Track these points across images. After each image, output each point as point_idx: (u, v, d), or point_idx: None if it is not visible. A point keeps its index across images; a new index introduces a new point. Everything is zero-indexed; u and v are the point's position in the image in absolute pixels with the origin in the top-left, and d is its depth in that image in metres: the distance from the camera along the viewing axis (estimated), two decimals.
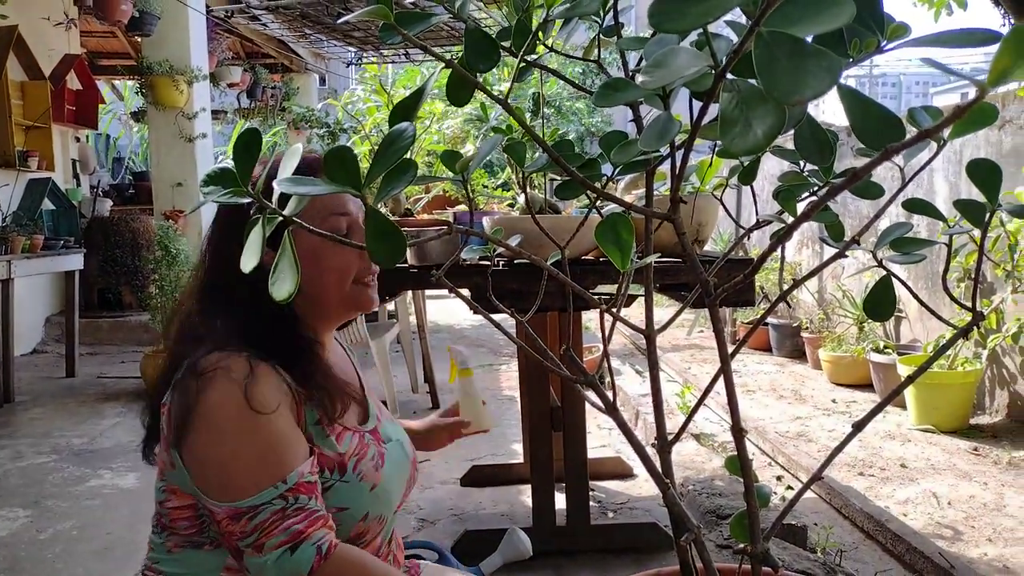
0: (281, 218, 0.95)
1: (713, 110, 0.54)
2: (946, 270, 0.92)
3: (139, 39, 5.03)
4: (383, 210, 2.28)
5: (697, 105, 0.57)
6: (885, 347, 4.06)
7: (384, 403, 1.32)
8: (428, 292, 5.24)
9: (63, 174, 5.97)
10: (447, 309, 7.14)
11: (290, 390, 0.98)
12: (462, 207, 2.40)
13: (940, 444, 3.32)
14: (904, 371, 3.62)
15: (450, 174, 0.75)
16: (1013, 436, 3.38)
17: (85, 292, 5.51)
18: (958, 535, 2.44)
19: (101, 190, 6.52)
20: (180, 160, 4.88)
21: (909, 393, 3.62)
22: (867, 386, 4.18)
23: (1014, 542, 2.38)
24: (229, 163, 0.67)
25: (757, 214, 0.92)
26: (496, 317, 0.99)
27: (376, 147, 0.58)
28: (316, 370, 1.03)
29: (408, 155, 0.61)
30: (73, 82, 5.96)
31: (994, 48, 0.44)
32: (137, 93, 5.45)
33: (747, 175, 0.87)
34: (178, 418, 0.94)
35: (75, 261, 4.72)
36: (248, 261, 0.61)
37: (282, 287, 0.59)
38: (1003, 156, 3.47)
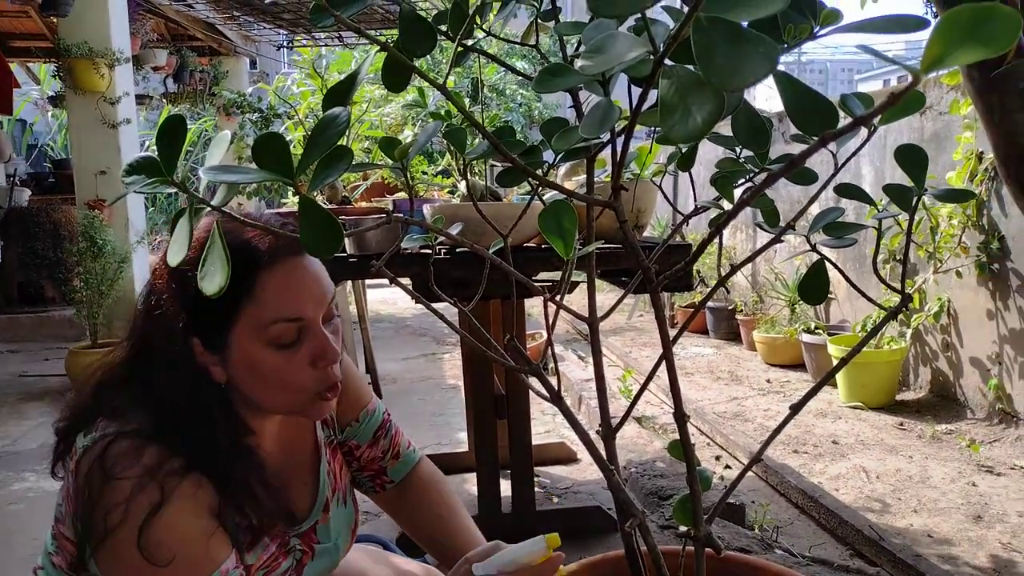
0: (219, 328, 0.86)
1: (653, 96, 0.53)
2: (876, 253, 0.94)
3: (55, 19, 4.78)
4: (319, 198, 2.23)
5: (636, 91, 0.56)
6: (816, 328, 4.20)
7: (355, 480, 1.18)
8: (369, 281, 5.17)
9: None
10: (388, 299, 7.06)
11: (214, 500, 0.86)
12: (402, 194, 2.36)
13: (868, 420, 3.46)
14: (834, 351, 3.75)
15: (389, 161, 0.73)
16: (935, 410, 3.54)
17: (4, 286, 5.24)
18: (886, 507, 2.55)
19: (18, 179, 6.20)
20: (103, 147, 4.66)
21: (839, 372, 3.75)
22: (800, 366, 4.33)
23: (937, 512, 2.50)
24: (153, 152, 0.63)
25: (695, 200, 0.93)
26: (439, 306, 0.98)
27: (310, 133, 0.56)
28: (245, 486, 0.89)
29: (344, 141, 0.59)
30: None
31: (922, 35, 0.45)
32: (54, 76, 5.17)
33: (685, 161, 0.88)
34: (82, 521, 0.83)
35: None
36: (174, 255, 0.58)
37: (211, 282, 0.56)
38: (925, 141, 3.62)
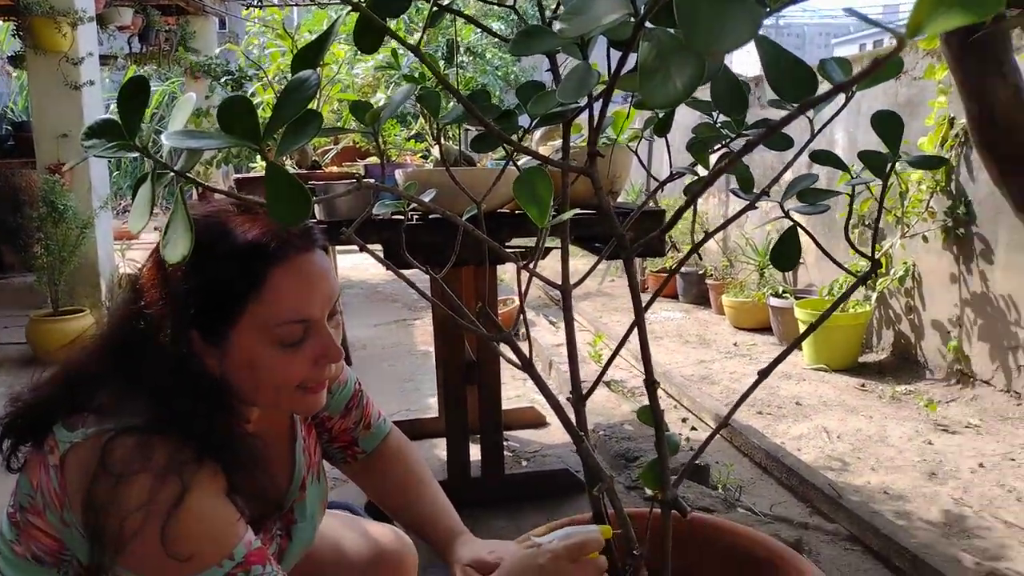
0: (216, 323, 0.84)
1: (633, 60, 0.52)
2: (848, 219, 0.95)
3: None
4: (288, 164, 2.19)
5: (616, 55, 0.55)
6: (783, 292, 4.25)
7: (326, 453, 1.18)
8: (339, 248, 5.10)
9: None
10: (359, 264, 7.00)
11: (227, 489, 0.85)
12: (373, 159, 2.32)
13: (831, 382, 3.54)
14: (800, 314, 3.81)
15: (360, 125, 0.71)
16: (896, 372, 3.63)
17: None
18: (845, 466, 2.62)
19: None
20: (65, 109, 4.49)
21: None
22: (767, 330, 4.39)
23: (894, 470, 2.57)
24: (115, 114, 0.61)
25: (671, 166, 0.93)
26: (410, 272, 0.96)
27: (278, 96, 0.54)
28: (252, 475, 0.88)
29: (313, 105, 0.57)
30: None
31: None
32: (14, 36, 4.95)
33: (662, 127, 0.87)
34: (92, 529, 0.79)
35: None
36: (135, 223, 0.56)
37: (175, 249, 0.54)
38: (899, 106, 3.64)
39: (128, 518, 0.77)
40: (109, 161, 5.99)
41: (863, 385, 3.48)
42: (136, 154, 0.60)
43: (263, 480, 0.91)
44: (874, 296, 3.80)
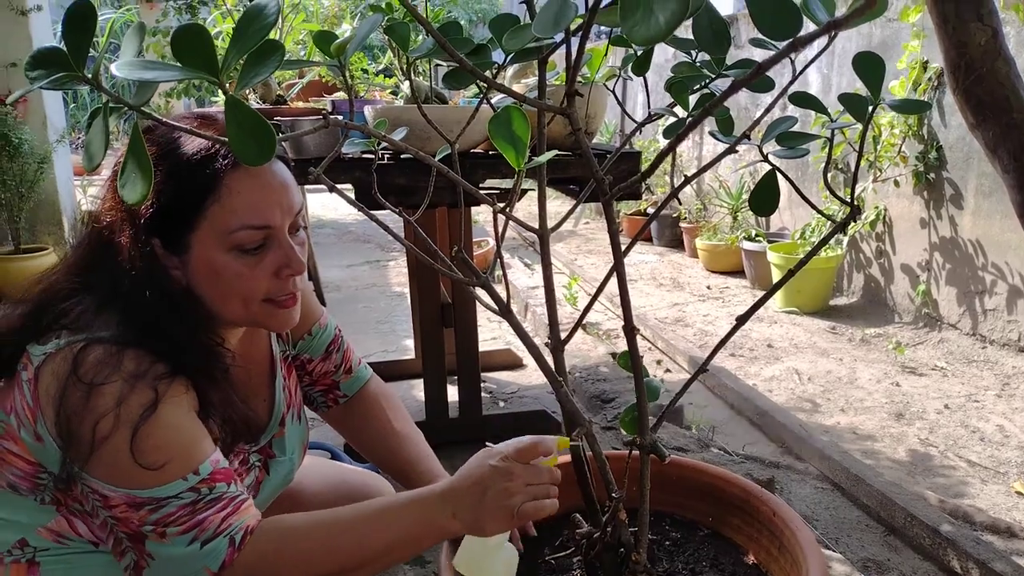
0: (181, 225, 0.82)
1: None
2: (828, 164, 0.94)
3: None
4: (252, 97, 2.11)
5: None
6: (756, 235, 4.27)
7: (306, 398, 1.18)
8: (308, 187, 5.01)
9: None
10: (329, 203, 6.89)
11: (198, 406, 0.86)
12: (340, 94, 2.25)
13: (803, 325, 3.59)
14: (773, 257, 3.84)
15: (325, 58, 0.68)
16: (866, 315, 3.69)
17: None
18: (816, 407, 2.68)
19: None
20: (12, 37, 4.27)
21: (776, 278, 3.86)
22: (739, 272, 4.43)
23: (863, 411, 2.64)
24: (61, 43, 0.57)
25: (649, 106, 0.90)
26: (382, 213, 0.94)
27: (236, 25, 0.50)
28: (224, 395, 0.90)
29: (275, 34, 0.53)
30: None
31: None
32: None
33: (640, 65, 0.84)
34: (64, 437, 0.79)
35: None
36: (89, 160, 0.53)
37: (133, 190, 0.52)
38: (873, 48, 3.60)
39: (99, 422, 0.78)
40: (65, 93, 5.76)
41: (833, 328, 3.53)
42: (87, 86, 0.56)
43: (236, 401, 0.92)
44: (845, 240, 3.84)
